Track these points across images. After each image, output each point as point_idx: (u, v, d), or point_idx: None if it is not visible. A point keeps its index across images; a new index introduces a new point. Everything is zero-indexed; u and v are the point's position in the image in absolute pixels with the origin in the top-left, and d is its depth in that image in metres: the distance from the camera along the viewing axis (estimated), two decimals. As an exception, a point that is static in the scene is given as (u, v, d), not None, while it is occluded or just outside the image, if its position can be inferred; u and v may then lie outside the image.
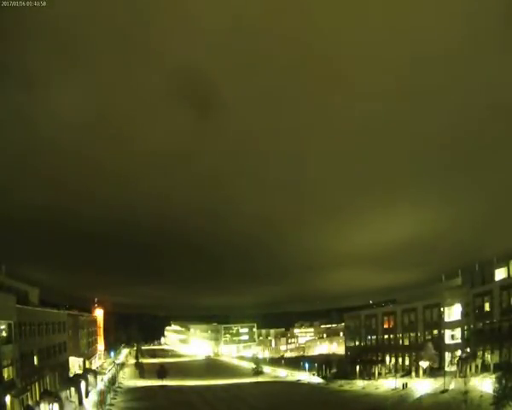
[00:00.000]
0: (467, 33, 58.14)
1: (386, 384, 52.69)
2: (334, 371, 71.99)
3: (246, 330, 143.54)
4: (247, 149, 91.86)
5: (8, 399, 29.86)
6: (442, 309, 57.16)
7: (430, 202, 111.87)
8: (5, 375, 31.00)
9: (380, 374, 60.44)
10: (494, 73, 64.23)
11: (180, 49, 60.83)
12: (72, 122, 72.46)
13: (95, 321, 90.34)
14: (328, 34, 60.60)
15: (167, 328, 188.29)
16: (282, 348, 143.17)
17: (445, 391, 40.23)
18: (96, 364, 78.66)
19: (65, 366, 52.86)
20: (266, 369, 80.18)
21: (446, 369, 49.58)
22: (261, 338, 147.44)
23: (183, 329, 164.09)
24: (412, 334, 62.61)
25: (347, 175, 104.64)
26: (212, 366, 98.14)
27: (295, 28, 59.91)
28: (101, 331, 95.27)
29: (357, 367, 63.17)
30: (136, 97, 67.34)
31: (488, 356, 47.33)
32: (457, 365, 48.73)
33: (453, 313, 56.09)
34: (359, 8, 55.09)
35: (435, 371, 51.02)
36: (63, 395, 40.94)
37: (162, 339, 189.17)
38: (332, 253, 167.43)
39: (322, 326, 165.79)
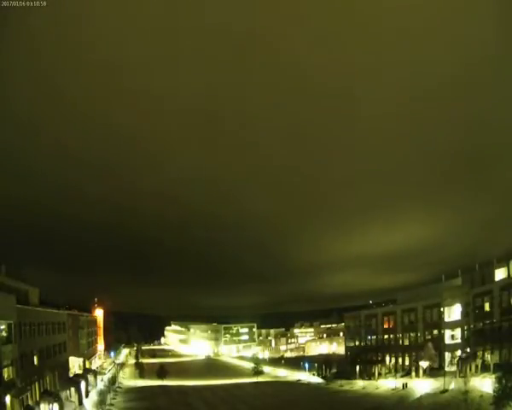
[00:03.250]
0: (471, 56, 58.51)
1: (386, 384, 52.69)
2: (334, 371, 71.95)
3: (246, 330, 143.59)
4: (250, 152, 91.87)
5: (8, 399, 29.85)
6: (442, 309, 57.18)
7: (430, 204, 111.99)
8: (5, 375, 30.96)
9: (380, 374, 60.44)
10: (494, 84, 64.62)
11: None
12: (74, 125, 72.49)
13: (95, 321, 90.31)
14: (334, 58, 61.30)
15: (167, 328, 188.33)
16: (282, 348, 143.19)
17: (445, 391, 40.20)
18: (96, 364, 78.62)
19: (65, 366, 52.86)
20: (266, 369, 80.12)
21: (446, 369, 49.61)
22: (261, 338, 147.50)
23: (183, 329, 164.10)
24: (412, 334, 62.66)
25: (351, 180, 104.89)
26: (212, 366, 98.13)
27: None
28: (101, 331, 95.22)
29: (357, 367, 63.15)
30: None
31: (488, 356, 47.33)
32: (457, 365, 48.74)
33: (453, 313, 56.11)
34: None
35: (435, 371, 51.02)
36: (63, 395, 41.01)
37: (162, 339, 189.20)
38: (333, 255, 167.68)
39: (322, 326, 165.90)
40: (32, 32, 48.01)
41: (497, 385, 29.63)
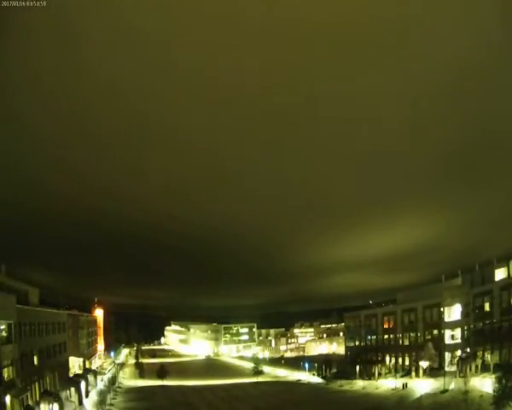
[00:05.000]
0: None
1: (386, 384, 52.72)
2: (334, 371, 71.99)
3: (246, 330, 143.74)
4: (249, 153, 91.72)
5: (8, 399, 29.86)
6: (442, 309, 57.20)
7: (430, 204, 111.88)
8: (5, 375, 30.99)
9: (380, 374, 60.47)
10: (494, 84, 64.69)
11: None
12: (71, 123, 72.51)
13: (95, 321, 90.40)
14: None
15: (167, 328, 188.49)
16: (282, 348, 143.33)
17: (445, 391, 40.22)
18: (96, 364, 78.66)
19: (65, 366, 52.90)
20: (266, 369, 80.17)
21: (446, 369, 49.62)
22: (261, 338, 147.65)
23: (183, 329, 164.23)
24: (412, 334, 62.69)
25: (350, 181, 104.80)
26: (212, 366, 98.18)
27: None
28: (101, 331, 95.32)
29: (357, 367, 63.18)
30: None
31: (488, 356, 47.33)
32: (457, 365, 48.78)
33: (453, 313, 56.12)
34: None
35: (435, 371, 51.05)
36: (63, 395, 41.03)
37: (162, 339, 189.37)
38: (332, 256, 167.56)
39: (322, 326, 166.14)
40: (29, 33, 48.09)
41: (497, 385, 29.65)
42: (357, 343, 75.21)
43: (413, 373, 53.91)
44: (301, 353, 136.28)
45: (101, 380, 58.75)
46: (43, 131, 75.02)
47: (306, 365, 79.15)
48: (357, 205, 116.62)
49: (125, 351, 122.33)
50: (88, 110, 70.54)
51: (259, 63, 62.29)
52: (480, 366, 46.56)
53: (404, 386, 47.35)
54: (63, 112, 69.85)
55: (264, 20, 51.90)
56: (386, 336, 68.02)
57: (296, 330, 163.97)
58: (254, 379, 67.56)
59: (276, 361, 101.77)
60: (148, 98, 69.66)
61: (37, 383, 38.89)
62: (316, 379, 69.91)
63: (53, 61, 56.18)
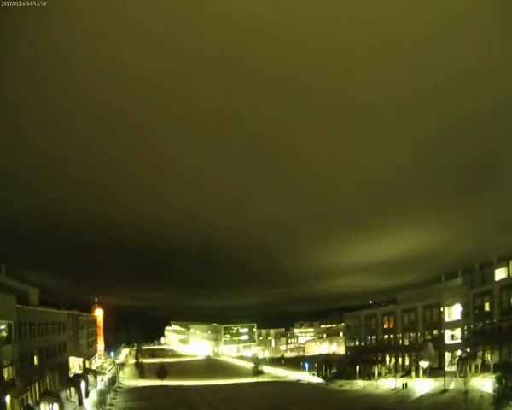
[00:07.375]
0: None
1: (386, 384, 52.70)
2: (334, 371, 71.98)
3: (246, 330, 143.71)
4: (250, 156, 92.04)
5: (8, 399, 29.85)
6: (442, 309, 57.19)
7: (430, 211, 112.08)
8: (5, 375, 31.00)
9: (380, 374, 60.45)
10: (494, 80, 64.96)
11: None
12: (75, 123, 72.64)
13: (95, 321, 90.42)
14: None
15: (167, 328, 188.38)
16: (282, 348, 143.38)
17: (445, 391, 40.25)
18: (96, 364, 78.68)
19: (65, 366, 52.89)
20: (266, 369, 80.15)
21: (446, 369, 49.63)
22: (261, 338, 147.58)
23: (183, 329, 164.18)
24: (412, 334, 62.67)
25: (351, 188, 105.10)
26: (212, 366, 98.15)
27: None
28: (101, 331, 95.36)
29: (357, 367, 63.14)
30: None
31: (488, 356, 47.32)
32: (457, 365, 48.74)
33: (453, 313, 56.12)
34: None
35: (435, 371, 51.04)
36: (63, 395, 40.99)
37: (162, 339, 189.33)
38: (334, 260, 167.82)
39: (322, 326, 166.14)
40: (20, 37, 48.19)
41: (497, 385, 29.64)
42: (357, 343, 75.19)
43: (413, 373, 53.92)
44: (301, 353, 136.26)
45: (101, 380, 58.68)
46: (43, 141, 75.40)
47: (306, 365, 79.16)
48: (359, 211, 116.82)
49: (125, 351, 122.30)
50: (85, 123, 71.08)
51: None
52: (479, 366, 46.58)
53: (404, 386, 47.34)
54: (62, 124, 70.35)
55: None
56: (386, 336, 68.01)
57: (296, 330, 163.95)
58: (254, 379, 67.56)
59: (276, 361, 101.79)
60: (153, 118, 70.48)
61: (37, 383, 38.87)
62: (316, 379, 69.92)
63: (48, 76, 56.56)
